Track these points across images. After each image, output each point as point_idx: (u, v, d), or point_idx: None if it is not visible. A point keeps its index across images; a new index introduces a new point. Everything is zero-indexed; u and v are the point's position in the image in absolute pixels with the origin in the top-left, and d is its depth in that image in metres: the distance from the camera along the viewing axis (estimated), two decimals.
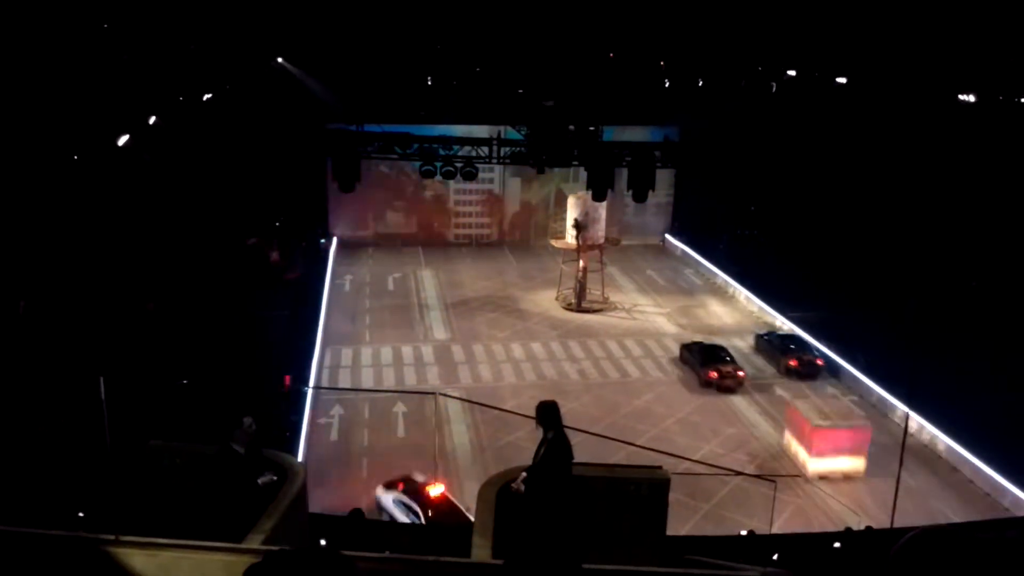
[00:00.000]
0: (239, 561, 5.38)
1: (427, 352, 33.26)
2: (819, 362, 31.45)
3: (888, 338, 29.96)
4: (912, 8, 30.36)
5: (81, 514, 11.43)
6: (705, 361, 30.64)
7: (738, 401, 29.53)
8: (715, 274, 42.77)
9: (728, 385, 29.96)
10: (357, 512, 13.42)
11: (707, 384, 30.08)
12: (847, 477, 24.38)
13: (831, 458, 24.37)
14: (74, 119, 23.57)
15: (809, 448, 24.59)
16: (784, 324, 35.32)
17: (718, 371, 30.09)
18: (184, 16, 29.75)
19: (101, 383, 5.91)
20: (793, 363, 31.29)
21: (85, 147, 25.37)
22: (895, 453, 22.00)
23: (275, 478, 7.91)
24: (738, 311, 38.79)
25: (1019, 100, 31.90)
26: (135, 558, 5.22)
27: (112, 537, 5.26)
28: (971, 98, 32.97)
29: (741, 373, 30.39)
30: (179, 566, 5.34)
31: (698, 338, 33.65)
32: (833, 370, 31.39)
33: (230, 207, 36.55)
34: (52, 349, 20.79)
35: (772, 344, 33.05)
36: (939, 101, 33.43)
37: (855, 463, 24.49)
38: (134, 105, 28.00)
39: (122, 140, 27.17)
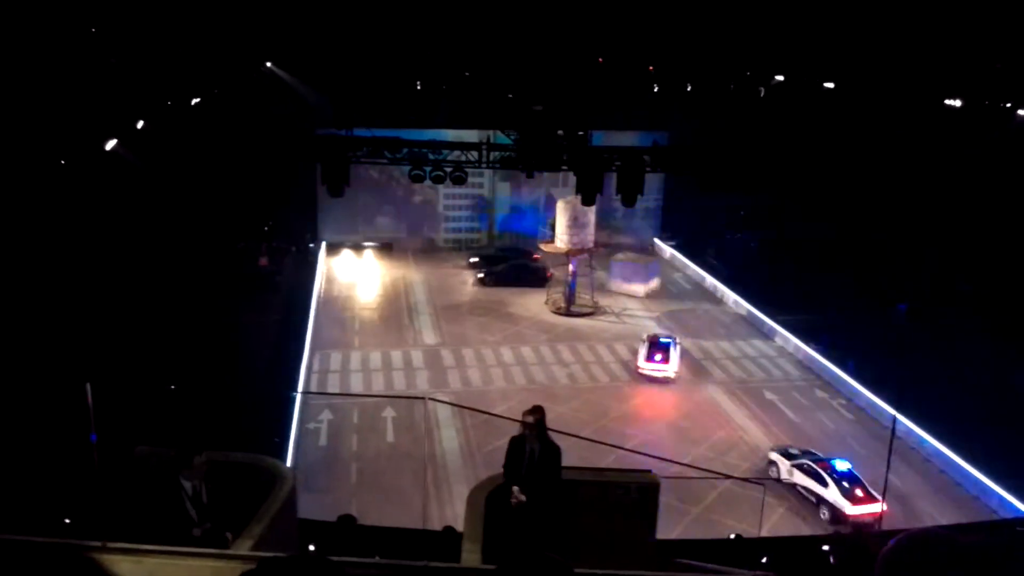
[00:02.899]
0: (227, 567, 5.35)
1: (416, 357, 33.21)
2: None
3: (877, 341, 30.15)
4: (899, 14, 30.54)
5: (67, 520, 11.34)
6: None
7: (727, 405, 29.65)
8: (703, 278, 42.91)
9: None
10: (346, 518, 13.36)
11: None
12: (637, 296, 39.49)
13: (627, 284, 40.78)
14: (61, 123, 23.43)
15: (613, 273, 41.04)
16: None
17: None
18: (173, 20, 29.63)
19: (88, 389, 5.87)
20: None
21: (72, 151, 25.22)
22: (883, 455, 22.10)
23: (208, 526, 7.58)
24: None
25: (1005, 105, 32.11)
26: (122, 564, 5.18)
27: (99, 544, 5.22)
28: (957, 103, 33.16)
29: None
30: (166, 572, 5.31)
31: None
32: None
33: (219, 212, 36.42)
34: (39, 354, 20.64)
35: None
36: (926, 106, 33.62)
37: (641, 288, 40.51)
38: (122, 109, 27.86)
39: (110, 144, 27.03)
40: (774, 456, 25.35)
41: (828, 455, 24.86)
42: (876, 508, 22.50)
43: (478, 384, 31.00)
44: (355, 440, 26.47)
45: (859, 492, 22.80)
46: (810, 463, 24.06)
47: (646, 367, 31.13)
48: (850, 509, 22.50)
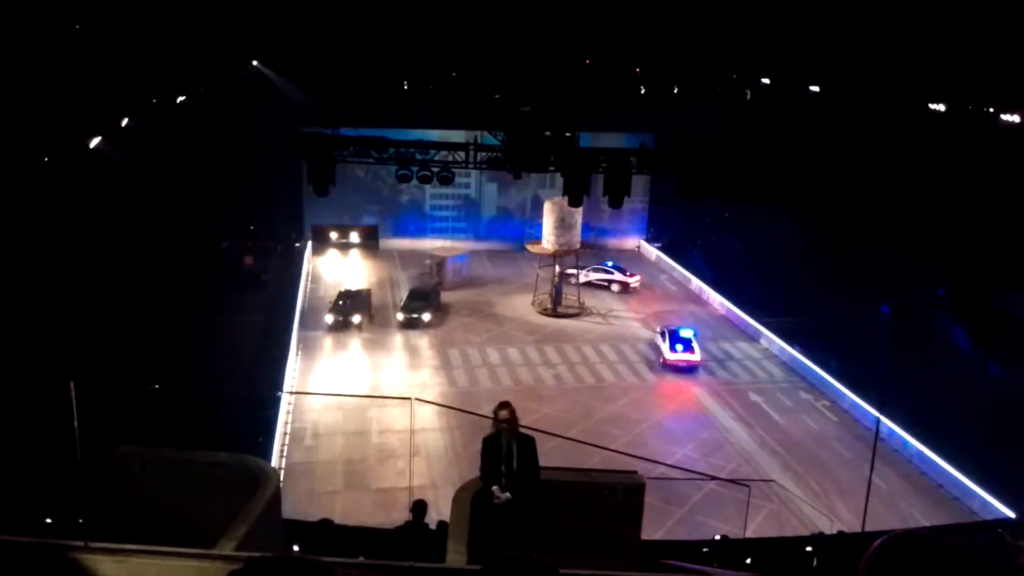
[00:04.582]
0: (210, 567, 5.33)
1: (402, 357, 33.11)
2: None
3: (860, 344, 30.33)
4: (884, 19, 30.75)
5: (49, 520, 11.26)
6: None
7: (712, 406, 29.75)
8: (688, 279, 43.05)
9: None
10: (326, 522, 13.34)
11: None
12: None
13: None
14: (45, 120, 23.27)
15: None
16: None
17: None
18: (158, 17, 29.47)
19: (71, 387, 5.82)
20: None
21: (56, 149, 25.04)
22: (866, 457, 22.25)
23: None
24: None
25: (988, 109, 32.40)
26: (104, 564, 5.15)
27: (81, 543, 5.19)
28: (941, 107, 33.43)
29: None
30: (148, 572, 5.27)
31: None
32: None
33: (204, 210, 36.25)
34: (22, 353, 20.47)
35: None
36: (911, 110, 33.88)
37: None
38: (106, 107, 27.69)
39: (94, 142, 26.86)
40: (659, 329, 34.55)
41: (684, 327, 34.16)
42: (690, 357, 32.25)
43: (464, 385, 30.96)
44: (340, 440, 26.38)
45: (680, 347, 32.31)
46: (666, 330, 33.58)
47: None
48: (668, 355, 32.24)
